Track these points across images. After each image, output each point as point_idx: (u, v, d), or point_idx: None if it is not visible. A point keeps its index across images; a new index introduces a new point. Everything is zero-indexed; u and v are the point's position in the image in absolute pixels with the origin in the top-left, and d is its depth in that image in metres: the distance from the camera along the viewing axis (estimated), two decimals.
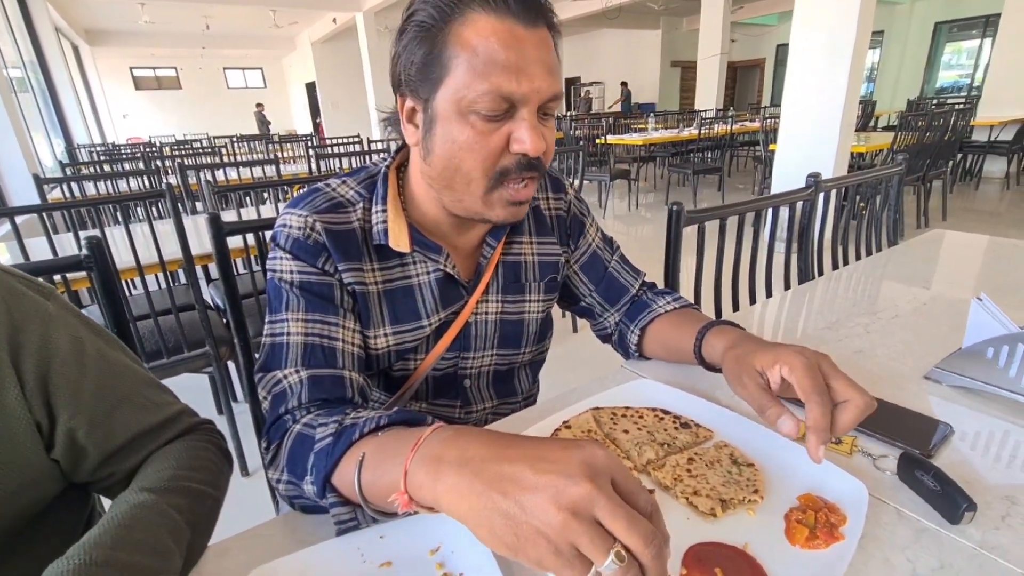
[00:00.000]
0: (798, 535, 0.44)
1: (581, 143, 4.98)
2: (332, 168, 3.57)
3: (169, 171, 3.91)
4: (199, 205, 3.02)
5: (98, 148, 6.20)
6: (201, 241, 1.80)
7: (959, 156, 5.51)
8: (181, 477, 0.50)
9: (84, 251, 0.76)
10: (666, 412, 0.63)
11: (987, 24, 10.24)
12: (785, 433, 0.48)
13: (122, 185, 3.02)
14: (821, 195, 1.13)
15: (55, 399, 0.48)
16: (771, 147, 4.13)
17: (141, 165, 3.89)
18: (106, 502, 0.58)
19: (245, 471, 1.72)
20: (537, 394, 0.86)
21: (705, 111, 7.99)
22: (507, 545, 0.32)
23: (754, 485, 0.50)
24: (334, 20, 10.55)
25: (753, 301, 1.16)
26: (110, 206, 2.22)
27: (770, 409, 0.49)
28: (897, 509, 0.48)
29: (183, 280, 2.45)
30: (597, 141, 5.33)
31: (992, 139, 5.56)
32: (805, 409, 0.47)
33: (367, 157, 3.18)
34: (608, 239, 0.84)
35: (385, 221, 0.62)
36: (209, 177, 2.76)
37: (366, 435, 0.45)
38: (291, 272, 0.59)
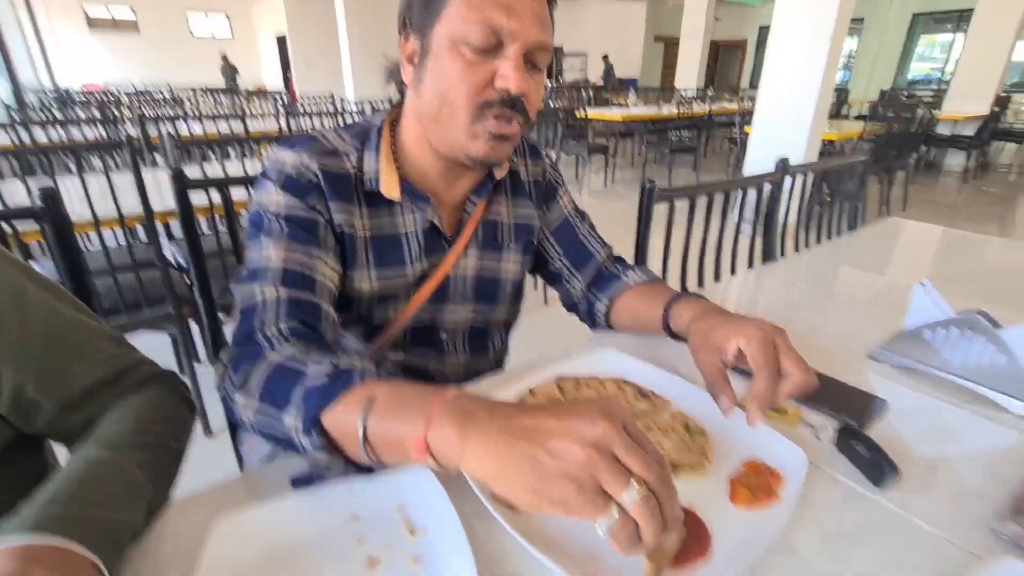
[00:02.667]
0: (740, 496, 0.47)
1: (561, 116, 4.92)
2: (304, 128, 3.45)
3: (127, 122, 3.70)
4: (159, 159, 2.88)
5: (50, 94, 5.81)
6: (162, 196, 1.73)
7: (923, 148, 5.70)
8: (140, 431, 0.50)
9: (38, 202, 0.72)
10: (627, 382, 0.66)
11: (960, 19, 10.45)
12: (721, 409, 0.52)
13: (76, 134, 2.85)
14: (788, 179, 1.16)
15: None
16: (746, 129, 4.18)
17: (97, 113, 3.67)
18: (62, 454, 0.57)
19: (208, 430, 1.71)
20: (506, 356, 0.89)
21: (685, 90, 7.99)
22: (533, 489, 0.34)
23: (703, 451, 0.53)
24: None
25: (718, 278, 1.19)
26: (64, 154, 2.10)
27: (715, 386, 0.54)
28: (832, 475, 0.52)
29: (142, 237, 2.36)
30: (577, 115, 5.29)
31: (954, 134, 5.76)
32: (753, 378, 0.50)
33: (340, 118, 3.08)
34: (580, 210, 0.86)
35: (377, 169, 0.65)
36: (171, 130, 2.63)
37: (367, 382, 0.45)
38: (278, 204, 0.61)
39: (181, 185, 0.85)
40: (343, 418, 0.43)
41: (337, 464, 0.44)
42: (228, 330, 0.96)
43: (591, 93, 6.05)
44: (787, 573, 0.41)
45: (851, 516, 0.47)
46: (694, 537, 0.44)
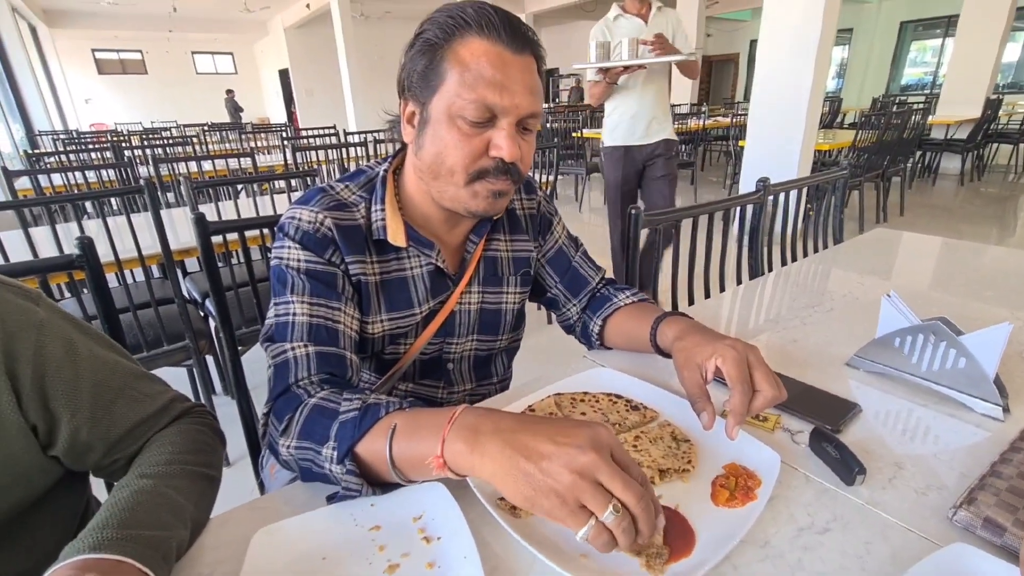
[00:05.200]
0: (720, 497, 0.53)
1: (556, 140, 5.03)
2: (309, 161, 3.56)
3: (139, 161, 3.84)
4: (170, 196, 2.99)
5: (61, 136, 6.00)
6: (176, 235, 1.82)
7: (918, 153, 5.75)
8: (177, 460, 0.55)
9: (76, 250, 0.80)
10: (619, 396, 0.71)
11: (949, 24, 10.61)
12: (703, 425, 0.58)
13: (91, 176, 2.97)
14: (770, 197, 1.23)
15: (54, 403, 0.51)
16: (740, 143, 4.26)
17: (109, 155, 3.81)
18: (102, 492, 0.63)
19: (226, 461, 1.76)
20: (510, 379, 0.94)
21: (679, 105, 8.13)
22: (525, 497, 0.42)
23: (688, 457, 0.58)
24: (307, 5, 10.33)
25: (708, 295, 1.25)
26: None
27: (697, 403, 0.59)
28: (805, 474, 0.57)
29: (156, 274, 2.45)
30: (573, 135, 5.40)
31: (948, 137, 5.82)
32: (729, 394, 0.56)
33: (345, 151, 3.18)
34: (573, 237, 0.92)
35: (384, 219, 0.70)
36: (184, 171, 2.74)
37: (391, 413, 0.52)
38: (298, 260, 0.66)
39: (204, 229, 0.92)
40: (373, 447, 0.51)
41: (366, 488, 0.52)
42: (245, 361, 1.03)
43: (588, 113, 6.17)
44: (760, 562, 0.46)
45: (821, 511, 0.52)
46: (679, 534, 0.49)
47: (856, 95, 12.11)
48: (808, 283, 1.15)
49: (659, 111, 2.44)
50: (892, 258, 1.30)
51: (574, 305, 0.89)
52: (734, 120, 5.34)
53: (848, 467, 0.55)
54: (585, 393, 0.72)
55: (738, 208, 1.22)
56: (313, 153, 3.51)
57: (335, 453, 0.52)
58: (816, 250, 1.46)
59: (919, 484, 0.55)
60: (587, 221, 4.93)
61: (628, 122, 2.45)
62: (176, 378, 1.99)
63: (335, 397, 0.57)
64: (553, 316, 0.97)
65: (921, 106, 5.23)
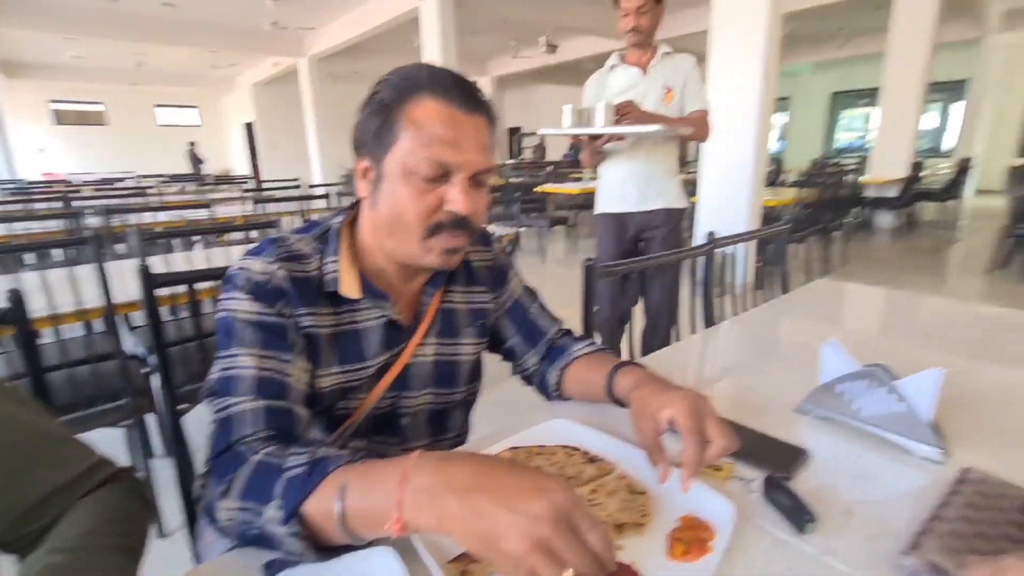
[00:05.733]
0: (676, 550, 0.52)
1: (517, 194, 5.19)
2: (269, 213, 3.53)
3: (87, 213, 3.72)
4: (121, 247, 2.89)
5: (9, 186, 5.78)
6: (124, 287, 1.74)
7: (856, 209, 6.19)
8: (96, 532, 0.50)
9: (7, 303, 0.75)
10: (576, 448, 0.70)
11: (873, 95, 11.73)
12: (659, 477, 0.58)
13: (36, 227, 2.85)
14: (719, 250, 1.29)
15: None
16: (692, 199, 4.49)
17: (60, 205, 3.68)
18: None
19: (160, 532, 1.62)
20: (468, 433, 0.92)
21: None
22: (479, 552, 0.42)
23: (644, 510, 0.58)
24: (275, 64, 10.57)
25: (668, 343, 1.27)
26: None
27: (653, 455, 0.59)
28: (759, 524, 0.57)
29: (97, 328, 2.32)
30: (535, 190, 5.58)
31: (880, 195, 6.30)
32: (683, 446, 0.56)
33: (307, 203, 3.18)
34: (530, 289, 0.93)
35: (337, 271, 0.69)
36: (137, 221, 2.67)
37: (342, 467, 0.49)
38: (248, 312, 0.63)
39: (148, 281, 0.88)
40: (321, 505, 0.48)
41: (310, 553, 0.48)
42: (187, 421, 0.97)
43: (552, 169, 6.42)
44: None
45: (776, 562, 0.51)
46: None
47: (797, 156, 13.06)
48: (759, 332, 1.19)
49: (658, 171, 2.00)
50: (834, 307, 1.36)
51: (532, 356, 0.89)
52: (687, 177, 5.64)
53: (799, 515, 0.55)
54: (542, 446, 0.71)
55: (691, 261, 1.27)
56: (274, 205, 3.48)
57: (280, 513, 0.48)
58: (766, 300, 1.52)
59: (869, 530, 0.56)
60: (550, 273, 5.01)
61: (617, 185, 2.04)
62: (112, 440, 1.86)
63: (281, 453, 0.53)
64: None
65: (853, 167, 5.68)
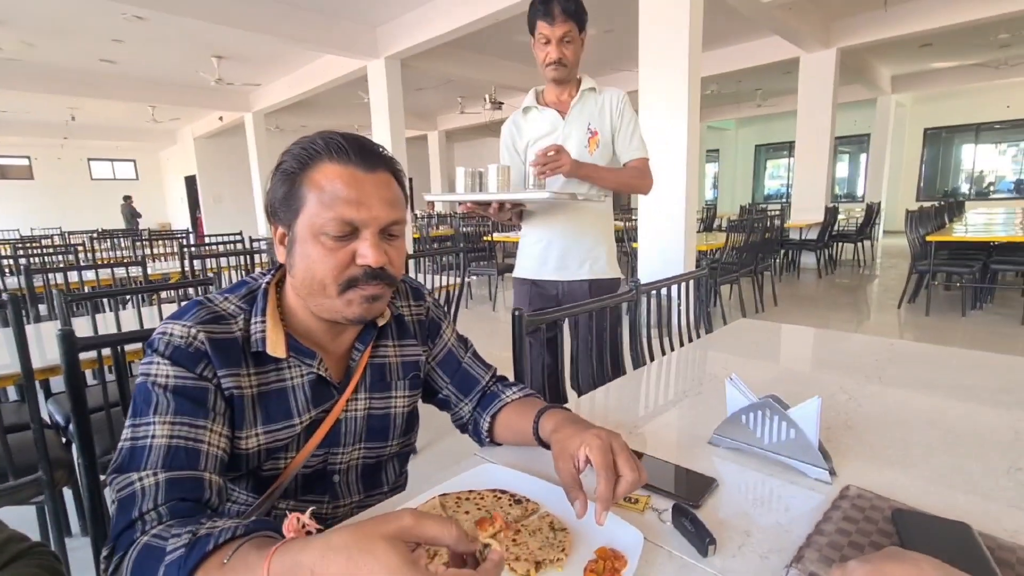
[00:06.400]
0: None
1: (461, 244, 5.30)
2: (209, 269, 3.44)
3: (8, 271, 3.50)
4: (44, 309, 2.73)
5: None
6: (42, 351, 1.65)
7: (782, 252, 6.67)
8: None
9: None
10: (504, 491, 0.73)
11: (791, 147, 12.89)
12: (576, 513, 0.61)
13: None
14: (643, 296, 1.39)
15: None
16: (633, 245, 4.72)
17: None
18: None
19: None
20: (404, 485, 0.92)
21: None
22: None
23: (563, 546, 0.61)
24: (220, 118, 10.50)
25: (602, 383, 1.33)
26: None
27: (570, 492, 0.63)
28: (669, 551, 0.61)
29: (12, 395, 2.16)
30: (484, 239, 5.72)
31: (803, 238, 6.84)
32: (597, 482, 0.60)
33: (249, 257, 3.12)
34: (463, 339, 0.97)
35: (263, 330, 0.70)
36: (61, 281, 2.54)
37: (221, 546, 0.48)
38: (167, 376, 0.63)
39: (69, 346, 0.86)
40: None
41: None
42: (109, 494, 0.93)
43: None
44: None
45: None
46: None
47: (730, 202, 14.03)
48: (682, 370, 1.27)
49: (585, 236, 1.67)
50: (749, 344, 1.47)
51: (466, 405, 0.91)
52: (626, 224, 5.94)
53: (701, 539, 0.60)
54: (471, 491, 0.73)
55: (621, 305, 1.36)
56: (213, 260, 3.40)
57: None
58: (691, 339, 1.63)
59: (763, 549, 0.61)
60: (501, 319, 5.07)
61: (537, 249, 1.71)
62: (23, 519, 1.71)
63: (165, 533, 0.52)
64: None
65: (777, 212, 6.16)
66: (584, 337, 1.28)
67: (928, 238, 4.57)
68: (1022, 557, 0.55)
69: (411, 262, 3.00)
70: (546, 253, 1.70)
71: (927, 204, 6.09)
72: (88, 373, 2.25)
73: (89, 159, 14.00)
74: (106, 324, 2.02)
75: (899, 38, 6.16)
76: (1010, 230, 4.83)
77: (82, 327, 1.95)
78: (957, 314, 4.55)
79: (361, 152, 0.68)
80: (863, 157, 11.79)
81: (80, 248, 4.80)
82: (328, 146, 0.67)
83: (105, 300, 2.42)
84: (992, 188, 11.18)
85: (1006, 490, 0.71)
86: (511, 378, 1.00)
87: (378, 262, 0.67)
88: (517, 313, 1.07)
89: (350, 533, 0.42)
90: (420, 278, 2.70)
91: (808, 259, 7.16)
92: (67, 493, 1.73)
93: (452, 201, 1.65)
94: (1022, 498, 0.69)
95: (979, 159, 11.22)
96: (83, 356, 0.95)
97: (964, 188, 11.44)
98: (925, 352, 1.30)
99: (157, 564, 0.49)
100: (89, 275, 2.89)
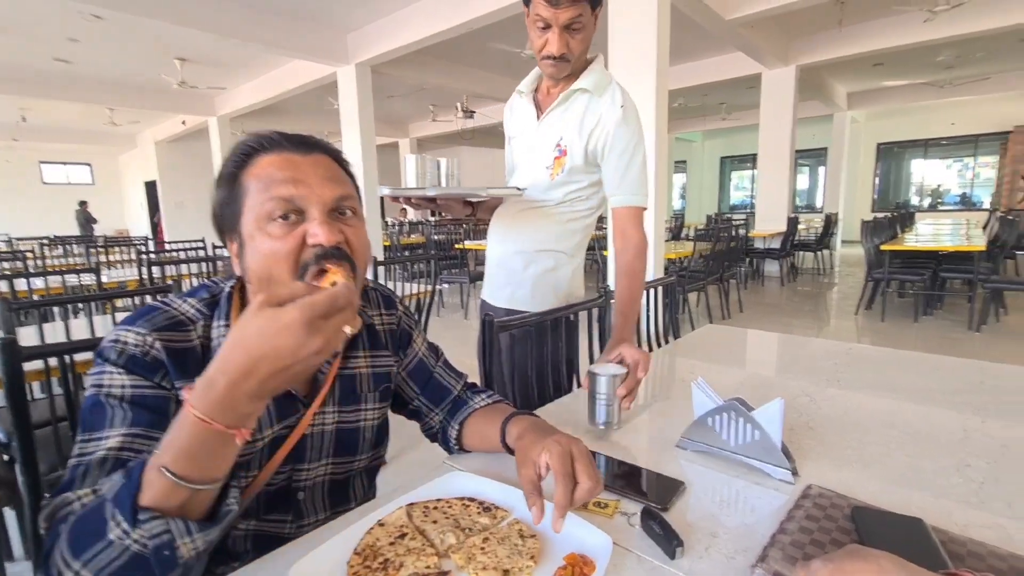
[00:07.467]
0: None
1: (432, 251, 5.29)
2: (168, 276, 3.31)
3: None
4: None
5: None
6: None
7: (747, 260, 6.86)
8: None
9: None
10: (472, 499, 0.72)
11: (755, 159, 13.34)
12: (533, 519, 0.61)
13: None
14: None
15: None
16: (604, 252, 4.78)
17: None
18: None
19: None
20: (373, 499, 0.89)
21: None
22: (278, 368, 0.46)
23: (532, 553, 0.60)
24: (183, 122, 10.20)
25: (569, 390, 1.34)
26: None
27: (529, 498, 0.62)
28: (638, 554, 0.61)
29: None
30: (456, 246, 5.69)
31: (767, 247, 7.05)
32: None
33: (212, 264, 3.03)
34: (433, 347, 0.95)
35: (224, 336, 0.66)
36: (6, 288, 2.40)
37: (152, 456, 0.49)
38: (122, 387, 0.59)
39: (11, 356, 0.81)
40: (154, 486, 0.47)
41: (178, 525, 0.48)
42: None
43: (471, 226, 6.61)
44: None
45: None
46: None
47: (697, 212, 14.38)
48: (650, 375, 1.28)
49: (516, 255, 1.32)
50: (715, 349, 1.50)
51: (437, 414, 0.90)
52: (596, 234, 6.02)
53: (669, 542, 0.60)
54: (439, 500, 0.72)
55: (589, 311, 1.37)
56: (173, 267, 3.28)
57: (125, 525, 0.47)
58: (660, 345, 1.65)
59: (729, 550, 0.62)
60: (473, 327, 5.04)
61: (490, 267, 1.41)
62: None
63: (92, 497, 0.53)
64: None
65: (742, 222, 6.35)
66: (554, 343, 1.28)
67: (882, 247, 4.78)
68: (972, 550, 0.57)
69: (381, 269, 2.96)
70: (498, 274, 1.38)
71: (881, 215, 6.38)
72: (36, 386, 2.13)
73: (41, 162, 13.37)
74: (55, 334, 1.92)
75: (853, 56, 6.46)
76: (957, 240, 5.10)
77: (29, 337, 1.85)
78: (910, 320, 4.76)
79: (295, 140, 0.67)
80: (821, 170, 12.28)
81: (29, 255, 4.57)
82: (262, 141, 0.66)
83: (55, 309, 2.30)
84: (940, 201, 11.81)
85: (956, 487, 0.74)
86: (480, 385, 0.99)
87: (330, 240, 0.62)
88: (487, 319, 1.06)
89: (235, 329, 0.47)
90: (391, 285, 2.66)
91: (772, 267, 7.38)
92: (9, 515, 1.64)
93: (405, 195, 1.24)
94: (972, 494, 0.72)
95: (928, 173, 11.86)
96: (29, 367, 0.90)
97: (915, 200, 12.04)
98: (881, 356, 1.35)
99: (101, 507, 0.49)
100: (38, 283, 2.74)
